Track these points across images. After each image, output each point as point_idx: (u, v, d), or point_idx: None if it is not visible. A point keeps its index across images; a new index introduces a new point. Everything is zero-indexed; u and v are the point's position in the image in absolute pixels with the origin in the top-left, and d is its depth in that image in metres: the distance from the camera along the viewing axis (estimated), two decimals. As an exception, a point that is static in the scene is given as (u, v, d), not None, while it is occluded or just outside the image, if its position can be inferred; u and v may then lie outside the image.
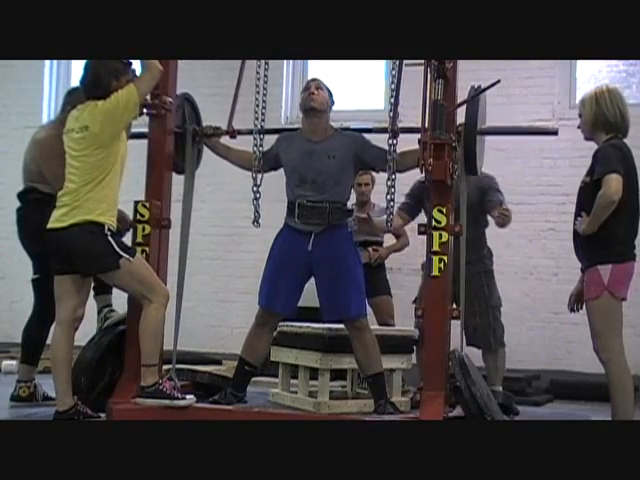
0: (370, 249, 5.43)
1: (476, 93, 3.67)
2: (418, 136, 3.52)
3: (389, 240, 5.63)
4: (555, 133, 4.00)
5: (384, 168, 3.82)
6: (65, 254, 3.65)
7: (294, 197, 4.00)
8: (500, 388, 4.57)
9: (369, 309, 5.37)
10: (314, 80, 4.13)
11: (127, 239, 3.96)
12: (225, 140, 4.28)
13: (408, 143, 3.74)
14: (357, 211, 4.64)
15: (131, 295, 3.83)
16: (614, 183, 3.51)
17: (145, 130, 4.10)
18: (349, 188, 4.09)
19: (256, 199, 4.04)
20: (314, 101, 3.99)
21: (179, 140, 4.16)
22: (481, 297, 4.57)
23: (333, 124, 4.14)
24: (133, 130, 4.10)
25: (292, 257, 3.99)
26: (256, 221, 4.05)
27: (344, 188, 4.03)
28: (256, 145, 4.08)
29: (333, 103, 4.13)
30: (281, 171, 4.13)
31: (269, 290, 4.03)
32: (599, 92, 3.72)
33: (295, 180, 4.00)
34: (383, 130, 3.84)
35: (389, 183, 3.79)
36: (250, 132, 4.08)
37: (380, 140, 3.95)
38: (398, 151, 3.79)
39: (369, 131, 4.22)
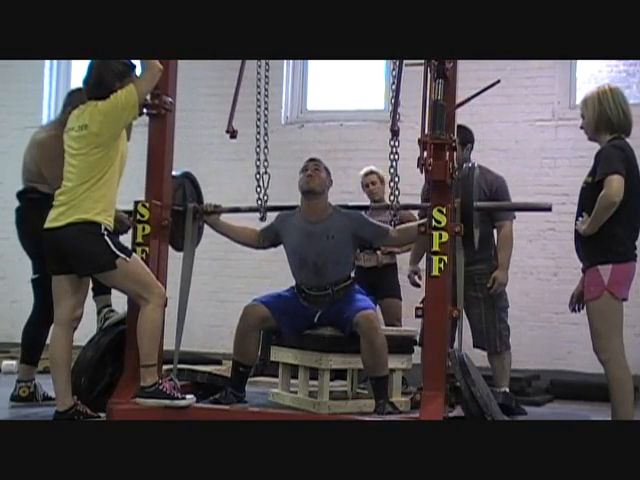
0: (379, 252, 5.44)
1: (476, 93, 3.67)
2: (418, 136, 3.52)
3: None
4: (549, 209, 3.92)
5: (383, 244, 3.92)
6: (62, 254, 3.64)
7: (298, 281, 4.17)
8: (507, 389, 4.57)
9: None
10: (312, 160, 4.21)
11: (128, 241, 3.96)
12: (224, 141, 4.29)
13: (408, 143, 3.73)
14: (374, 215, 4.65)
15: (128, 295, 3.82)
16: (615, 184, 3.50)
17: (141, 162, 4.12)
18: (350, 263, 4.22)
19: (262, 201, 4.14)
20: (312, 183, 4.09)
21: (179, 218, 4.17)
22: (487, 298, 4.57)
23: (333, 124, 4.15)
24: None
25: (297, 317, 4.14)
26: (262, 213, 4.15)
27: (345, 266, 4.16)
28: (259, 146, 4.11)
29: (331, 182, 4.23)
30: (281, 166, 4.14)
31: (269, 294, 4.18)
32: (601, 92, 3.70)
33: (297, 262, 4.13)
34: (384, 207, 3.93)
35: (393, 194, 3.81)
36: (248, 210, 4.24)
37: (380, 140, 3.95)
38: (397, 228, 3.96)
39: (366, 208, 4.41)
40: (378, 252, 5.43)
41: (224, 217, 4.32)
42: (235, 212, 4.32)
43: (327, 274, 4.06)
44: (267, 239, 4.26)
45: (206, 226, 4.32)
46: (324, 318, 4.13)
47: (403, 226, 4.03)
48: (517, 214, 4.76)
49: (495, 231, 4.67)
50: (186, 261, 4.19)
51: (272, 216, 4.28)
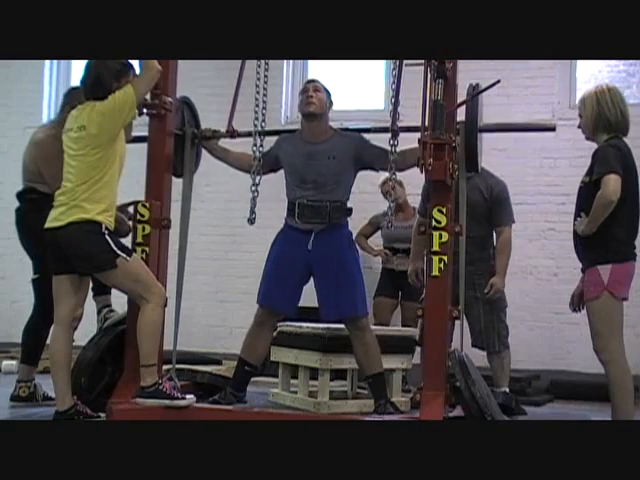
0: (396, 256, 5.63)
1: (476, 93, 3.67)
2: (418, 136, 3.52)
3: None
4: (553, 129, 4.00)
5: (384, 167, 3.83)
6: (62, 253, 3.65)
7: (294, 197, 4.01)
8: (507, 389, 4.57)
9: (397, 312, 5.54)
10: (312, 81, 4.13)
11: (128, 242, 3.97)
12: (224, 142, 4.27)
13: (408, 143, 3.73)
14: (394, 218, 4.65)
15: (128, 295, 3.83)
16: (613, 183, 3.50)
17: (145, 134, 4.09)
18: (349, 188, 4.09)
19: (254, 198, 4.02)
20: (312, 105, 4.00)
21: (178, 143, 4.14)
22: (486, 298, 4.57)
23: (333, 124, 4.15)
24: (135, 134, 4.10)
25: (292, 256, 3.99)
26: (251, 220, 4.01)
27: (344, 188, 4.04)
28: (255, 145, 4.08)
29: (332, 103, 4.13)
30: (281, 172, 4.13)
31: (268, 288, 4.03)
32: (599, 92, 3.70)
33: (296, 181, 4.01)
34: (383, 130, 3.84)
35: (391, 184, 3.81)
36: (249, 134, 4.07)
37: (380, 140, 3.95)
38: (398, 150, 3.79)
39: (368, 131, 4.21)
40: (397, 255, 5.62)
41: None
42: (233, 137, 4.23)
43: (326, 190, 3.95)
44: (266, 164, 4.11)
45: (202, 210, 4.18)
46: (318, 251, 3.95)
47: (404, 148, 3.86)
48: (517, 214, 4.76)
49: (494, 233, 4.68)
50: (185, 187, 4.15)
51: (265, 195, 4.13)
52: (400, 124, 3.77)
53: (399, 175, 3.84)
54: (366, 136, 4.09)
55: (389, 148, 3.78)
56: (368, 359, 3.93)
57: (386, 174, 5.65)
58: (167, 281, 4.00)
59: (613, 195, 3.50)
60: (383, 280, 5.96)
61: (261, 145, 4.07)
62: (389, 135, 3.77)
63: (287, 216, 4.06)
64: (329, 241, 3.97)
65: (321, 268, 3.98)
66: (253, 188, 4.04)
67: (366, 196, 5.37)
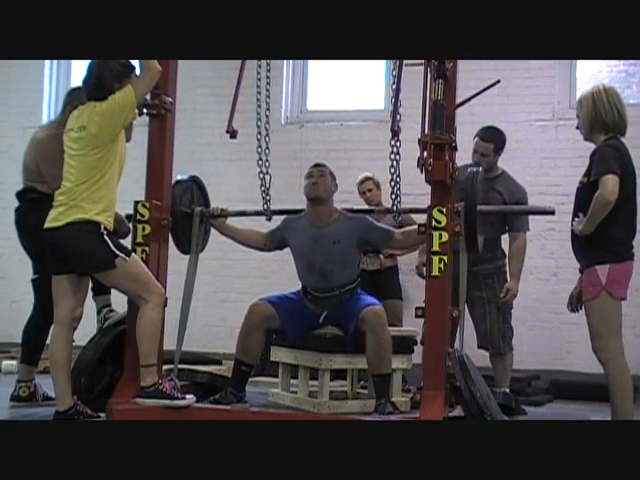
0: (381, 255, 5.57)
1: (476, 93, 3.67)
2: (418, 136, 3.52)
3: None
4: (552, 213, 3.97)
5: (389, 247, 3.95)
6: (61, 253, 3.65)
7: (305, 284, 4.19)
8: (507, 389, 4.57)
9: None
10: (317, 166, 4.22)
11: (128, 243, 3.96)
12: (232, 220, 4.34)
13: (408, 143, 3.73)
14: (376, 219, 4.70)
15: (127, 295, 3.83)
16: (610, 183, 3.50)
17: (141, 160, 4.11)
18: (356, 267, 4.23)
19: (266, 202, 4.17)
20: (317, 190, 4.11)
21: (186, 221, 4.17)
22: (492, 299, 4.57)
23: (333, 124, 4.15)
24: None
25: (303, 318, 4.15)
26: (266, 214, 4.17)
27: (351, 270, 4.18)
28: (260, 147, 4.11)
29: (336, 187, 4.24)
30: (281, 166, 4.14)
31: (274, 295, 4.19)
32: (596, 92, 3.70)
33: (304, 267, 4.16)
34: (385, 210, 3.90)
35: (394, 188, 3.81)
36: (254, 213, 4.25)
37: (380, 140, 3.95)
38: (401, 231, 4.00)
39: (370, 212, 4.39)
40: (380, 255, 5.56)
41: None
42: (241, 215, 4.33)
43: (334, 278, 4.10)
44: (273, 242, 4.29)
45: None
46: (329, 318, 4.14)
47: (408, 229, 4.05)
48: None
49: (508, 237, 4.69)
50: (191, 264, 4.21)
51: (278, 219, 4.29)
52: (400, 124, 3.76)
53: (377, 175, 3.90)
54: (365, 132, 4.10)
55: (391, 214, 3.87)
56: (379, 359, 3.97)
57: (365, 173, 5.73)
58: (167, 281, 4.00)
59: (611, 195, 3.50)
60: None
61: (267, 147, 4.10)
62: (389, 135, 3.76)
63: (301, 289, 4.23)
64: (340, 310, 4.12)
65: (334, 323, 4.18)
66: (264, 193, 4.15)
67: (347, 196, 5.38)
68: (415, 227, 3.86)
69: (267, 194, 4.16)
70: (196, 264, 4.23)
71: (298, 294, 4.24)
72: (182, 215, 4.14)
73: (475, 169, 3.85)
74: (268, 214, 4.21)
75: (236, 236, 4.34)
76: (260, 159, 4.11)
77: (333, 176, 4.22)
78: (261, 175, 4.11)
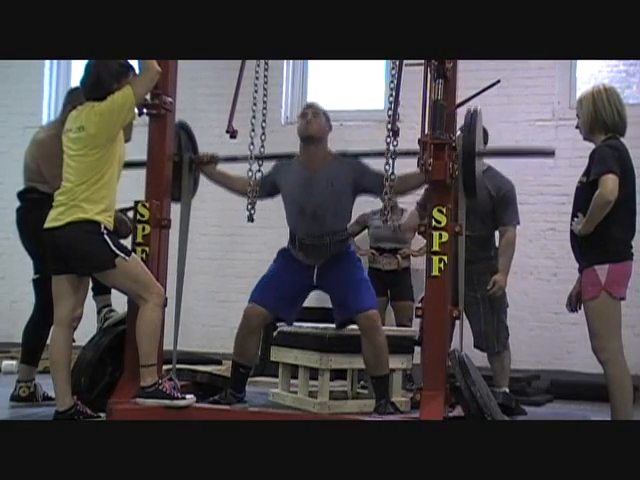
0: (399, 256, 5.67)
1: (476, 93, 3.67)
2: (418, 136, 3.52)
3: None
4: (552, 154, 3.99)
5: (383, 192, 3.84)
6: (61, 253, 3.65)
7: (294, 230, 4.06)
8: (507, 389, 4.57)
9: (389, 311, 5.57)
10: (310, 106, 4.11)
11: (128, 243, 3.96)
12: (225, 140, 4.27)
13: (408, 143, 3.73)
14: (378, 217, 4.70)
15: (127, 295, 3.83)
16: (610, 183, 3.50)
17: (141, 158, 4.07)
18: (349, 214, 4.13)
19: (252, 203, 3.98)
20: (311, 129, 3.98)
21: (175, 168, 4.12)
22: (486, 299, 4.57)
23: (333, 124, 4.14)
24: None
25: (295, 282, 4.06)
26: (250, 216, 3.96)
27: (344, 217, 4.09)
28: (252, 144, 4.06)
29: (330, 128, 4.11)
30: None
31: (264, 287, 4.09)
32: (596, 92, 3.70)
33: (295, 211, 4.03)
34: (379, 154, 3.79)
35: (387, 184, 3.79)
36: (244, 159, 4.05)
37: (380, 140, 3.94)
38: (398, 174, 3.80)
39: (366, 155, 4.20)
40: (398, 256, 5.63)
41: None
42: (232, 162, 4.22)
43: (326, 223, 3.97)
44: (264, 188, 4.07)
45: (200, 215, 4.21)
46: (322, 279, 4.03)
47: (404, 173, 3.82)
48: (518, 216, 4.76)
49: (498, 234, 4.68)
50: (183, 212, 4.14)
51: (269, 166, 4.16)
52: (400, 124, 3.76)
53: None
54: (365, 132, 4.09)
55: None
56: (376, 360, 3.94)
57: None
58: (167, 281, 4.01)
59: (610, 195, 3.50)
60: (370, 280, 5.99)
61: (262, 146, 4.03)
62: (388, 137, 3.76)
63: (289, 243, 4.11)
64: (332, 268, 4.03)
65: (328, 288, 4.08)
66: (251, 187, 4.00)
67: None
68: (412, 172, 3.72)
69: (255, 196, 3.99)
70: (189, 212, 4.15)
71: (283, 253, 4.12)
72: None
73: (474, 110, 3.77)
74: (259, 161, 4.00)
75: (226, 182, 4.22)
76: (250, 157, 4.01)
77: (327, 116, 4.08)
78: (250, 173, 4.04)
